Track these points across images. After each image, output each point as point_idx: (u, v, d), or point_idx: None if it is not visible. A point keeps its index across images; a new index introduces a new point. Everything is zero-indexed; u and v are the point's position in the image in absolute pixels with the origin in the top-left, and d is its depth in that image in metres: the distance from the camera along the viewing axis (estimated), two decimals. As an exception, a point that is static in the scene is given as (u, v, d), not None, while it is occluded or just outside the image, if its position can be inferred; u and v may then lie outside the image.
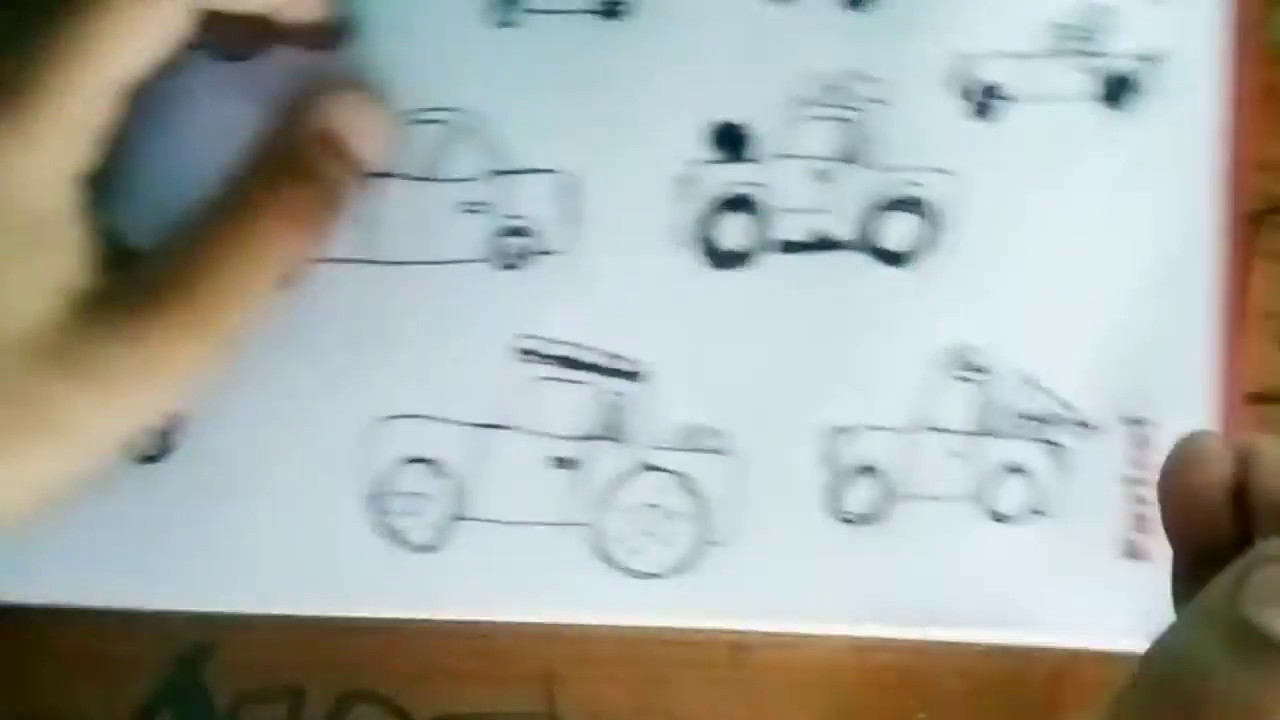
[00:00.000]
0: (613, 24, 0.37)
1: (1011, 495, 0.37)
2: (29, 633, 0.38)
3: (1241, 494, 0.28)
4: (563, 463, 0.37)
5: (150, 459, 0.37)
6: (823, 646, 0.38)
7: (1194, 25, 0.36)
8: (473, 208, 0.37)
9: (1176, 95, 0.37)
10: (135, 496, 0.37)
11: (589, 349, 0.37)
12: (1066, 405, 0.37)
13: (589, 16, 0.37)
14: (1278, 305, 0.38)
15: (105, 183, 0.34)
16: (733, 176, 0.37)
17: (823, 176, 0.37)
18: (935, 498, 0.37)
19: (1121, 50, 0.37)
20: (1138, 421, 0.37)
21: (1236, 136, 0.37)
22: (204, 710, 0.38)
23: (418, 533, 0.37)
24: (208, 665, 0.38)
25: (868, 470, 0.37)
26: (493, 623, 0.37)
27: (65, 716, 0.38)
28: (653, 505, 0.37)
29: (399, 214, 0.37)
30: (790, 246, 0.37)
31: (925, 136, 0.37)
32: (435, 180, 0.37)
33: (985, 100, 0.37)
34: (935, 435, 0.37)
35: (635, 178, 0.37)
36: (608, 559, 0.37)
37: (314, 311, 0.37)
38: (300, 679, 0.38)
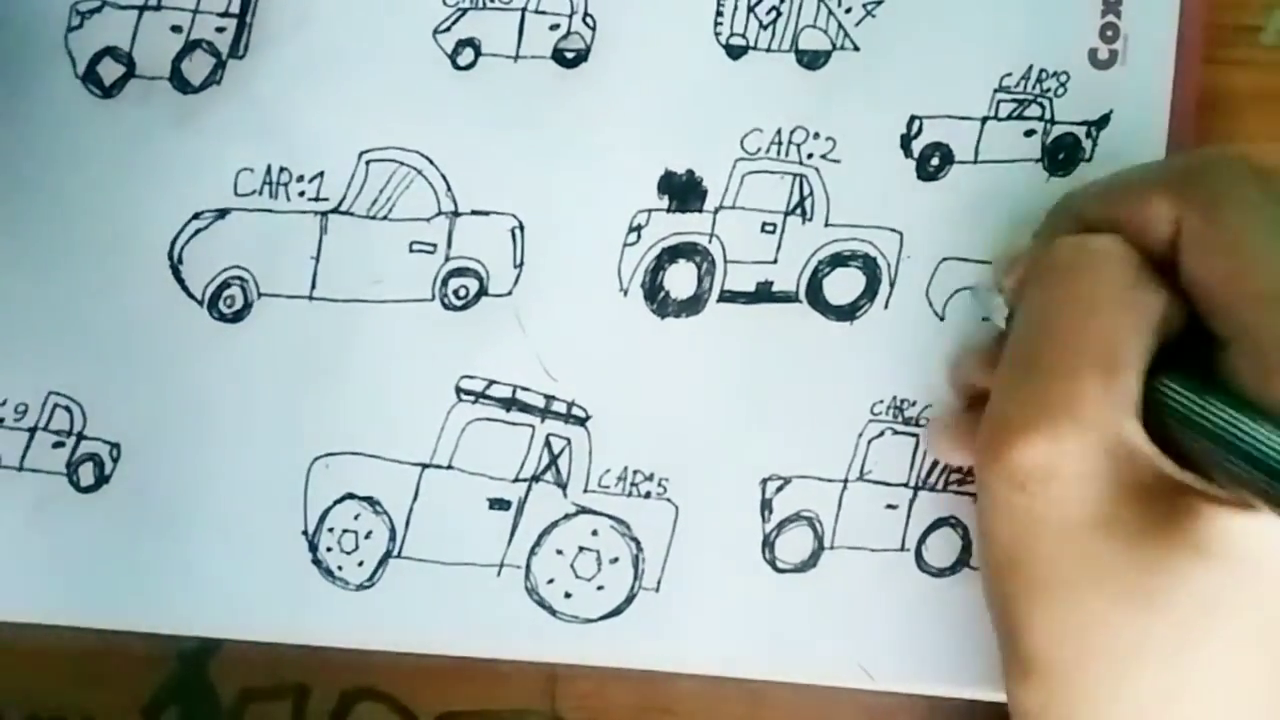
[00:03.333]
0: (569, 72, 0.37)
1: (942, 548, 0.37)
2: (35, 633, 0.38)
3: None
4: (500, 504, 0.37)
5: (87, 489, 0.38)
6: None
7: (1140, 91, 0.37)
8: (421, 248, 0.38)
9: (1120, 161, 0.37)
10: (71, 524, 0.38)
11: (531, 391, 0.37)
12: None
13: (545, 63, 0.38)
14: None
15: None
16: (681, 226, 0.37)
17: (771, 230, 0.37)
18: (868, 548, 0.37)
19: (1068, 116, 0.37)
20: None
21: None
22: (209, 707, 0.38)
23: (352, 569, 0.37)
24: (212, 663, 0.38)
25: (802, 519, 0.37)
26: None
27: (71, 715, 0.38)
28: (588, 549, 0.37)
29: (347, 251, 0.38)
30: (735, 297, 0.37)
31: (873, 194, 0.37)
32: (385, 219, 0.38)
33: (932, 161, 0.37)
34: (870, 487, 0.37)
35: (584, 224, 0.37)
36: (541, 601, 0.37)
37: (258, 345, 0.38)
38: (304, 676, 0.38)
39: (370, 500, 0.37)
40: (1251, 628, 0.30)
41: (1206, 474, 0.29)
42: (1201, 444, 0.29)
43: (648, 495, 0.37)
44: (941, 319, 0.37)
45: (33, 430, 0.38)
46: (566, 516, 0.37)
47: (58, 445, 0.38)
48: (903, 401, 0.37)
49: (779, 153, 0.37)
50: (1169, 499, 0.30)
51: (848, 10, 0.37)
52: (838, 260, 0.37)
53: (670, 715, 0.38)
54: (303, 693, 0.38)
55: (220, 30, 0.38)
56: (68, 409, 0.38)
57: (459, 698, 0.38)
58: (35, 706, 0.38)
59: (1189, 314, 0.31)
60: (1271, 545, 0.29)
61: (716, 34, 0.38)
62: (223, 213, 0.38)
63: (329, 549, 0.37)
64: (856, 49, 0.37)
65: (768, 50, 0.37)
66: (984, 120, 0.37)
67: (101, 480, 0.38)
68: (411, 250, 0.38)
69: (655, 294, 0.37)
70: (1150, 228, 0.31)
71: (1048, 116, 0.37)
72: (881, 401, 0.37)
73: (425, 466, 0.37)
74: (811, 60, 0.37)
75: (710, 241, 0.37)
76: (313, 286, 0.38)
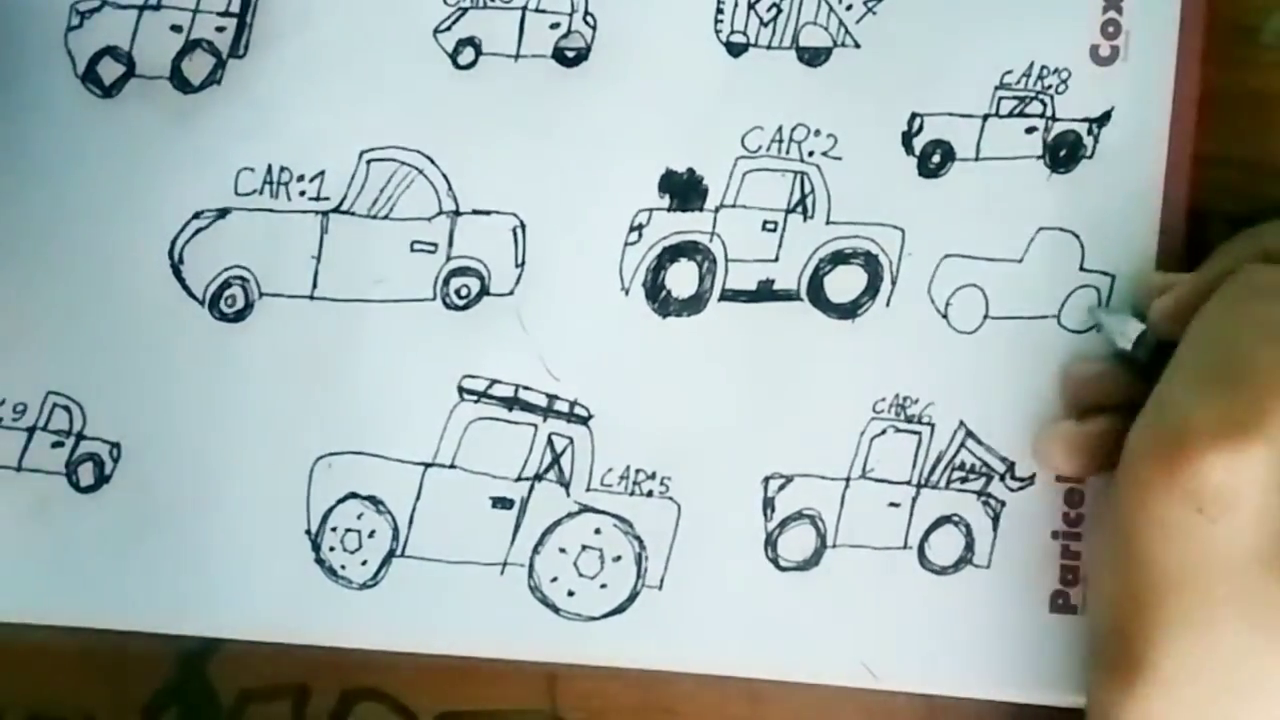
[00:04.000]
0: (569, 71, 0.37)
1: (945, 546, 0.37)
2: (35, 633, 0.38)
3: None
4: (503, 503, 0.37)
5: (87, 489, 0.38)
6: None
7: (1142, 88, 0.37)
8: (423, 247, 0.38)
9: (1122, 157, 0.37)
10: (71, 524, 0.38)
11: (533, 390, 0.37)
12: (1002, 459, 0.37)
13: (546, 62, 0.38)
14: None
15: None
16: (682, 224, 0.37)
17: (772, 228, 0.37)
18: (870, 546, 0.37)
19: (1069, 113, 0.37)
20: (1070, 478, 0.37)
21: (1178, 197, 0.37)
22: (209, 708, 0.38)
23: (356, 568, 0.37)
24: (212, 663, 0.38)
25: (805, 517, 0.37)
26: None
27: (71, 715, 0.38)
28: (591, 547, 0.37)
29: (348, 251, 0.38)
30: (737, 295, 0.37)
31: (874, 192, 0.37)
32: (386, 219, 0.38)
33: (933, 158, 0.37)
34: (872, 485, 0.37)
35: (586, 223, 0.37)
36: (544, 599, 0.37)
37: (259, 345, 0.38)
38: (304, 677, 0.38)
39: (373, 499, 0.37)
40: None
41: None
42: None
43: (650, 494, 0.37)
44: (943, 316, 0.37)
45: (31, 430, 0.38)
46: (569, 515, 0.37)
47: (57, 445, 0.38)
48: (905, 399, 0.37)
49: (780, 150, 0.37)
50: None
51: (848, 7, 0.37)
52: (839, 258, 0.37)
53: (670, 715, 0.38)
54: (303, 693, 0.38)
55: (220, 30, 0.38)
56: (67, 408, 0.38)
57: (459, 698, 0.38)
58: (35, 706, 0.38)
59: None
60: None
61: (717, 32, 0.37)
62: (223, 212, 0.38)
63: (332, 548, 0.37)
64: (857, 46, 0.37)
65: (768, 48, 0.37)
66: (985, 117, 0.37)
67: (102, 480, 0.38)
68: (413, 250, 0.38)
69: (657, 293, 0.37)
70: None
71: (1049, 113, 0.37)
72: (883, 399, 0.37)
73: (428, 466, 0.37)
74: (812, 58, 0.37)
75: (711, 240, 0.37)
76: (314, 286, 0.38)
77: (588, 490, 0.37)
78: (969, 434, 0.37)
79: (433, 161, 0.38)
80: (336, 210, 0.38)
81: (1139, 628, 0.31)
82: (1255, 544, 0.30)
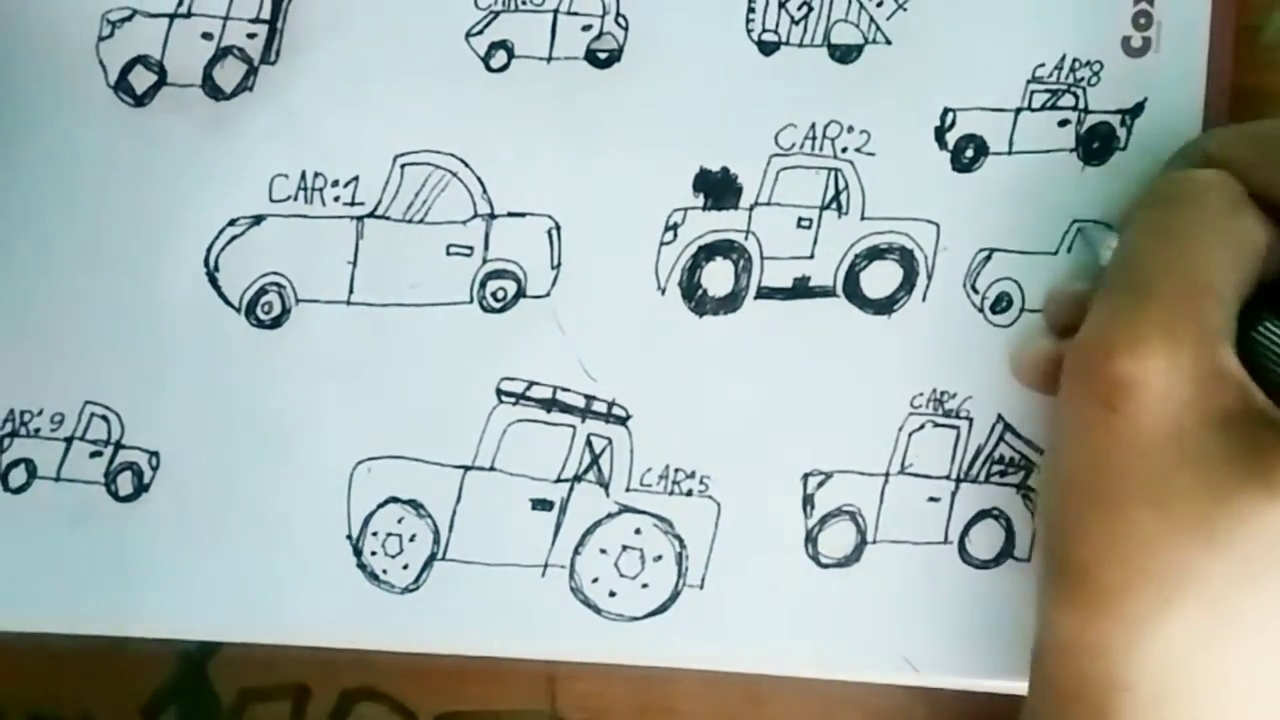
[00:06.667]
0: (602, 72, 0.37)
1: (985, 540, 0.37)
2: (37, 632, 0.38)
3: None
4: (543, 504, 0.37)
5: (126, 498, 0.38)
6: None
7: (1175, 78, 0.37)
8: (459, 250, 0.38)
9: (1155, 148, 0.37)
10: (111, 534, 0.38)
11: (571, 392, 0.37)
12: (1041, 452, 0.37)
13: (579, 64, 0.38)
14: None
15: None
16: (718, 223, 0.37)
17: (807, 225, 0.37)
18: (910, 542, 0.37)
19: (1102, 105, 0.37)
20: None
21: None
22: (209, 707, 0.38)
23: (397, 572, 0.37)
24: (212, 663, 0.39)
25: (844, 514, 0.37)
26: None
27: (71, 715, 0.39)
28: (631, 548, 0.37)
29: (384, 255, 0.38)
30: (773, 293, 0.37)
31: (908, 187, 0.37)
32: (422, 223, 0.38)
33: (967, 152, 0.37)
34: (912, 480, 0.37)
35: (621, 223, 0.37)
36: (586, 600, 0.37)
37: (297, 351, 0.38)
38: (304, 676, 0.38)
39: (414, 503, 0.37)
40: None
41: None
42: None
43: (689, 493, 0.37)
44: (979, 310, 0.37)
45: (70, 440, 0.38)
46: (609, 516, 0.37)
47: (95, 455, 0.38)
48: (943, 394, 0.37)
49: (813, 147, 0.37)
50: (1251, 433, 0.30)
51: (879, 4, 0.37)
52: (874, 253, 0.37)
53: (670, 715, 0.38)
54: (303, 693, 0.38)
55: (251, 36, 0.38)
56: (105, 418, 0.38)
57: (459, 698, 0.38)
58: (35, 706, 0.39)
59: None
60: None
61: (749, 30, 0.37)
62: (258, 219, 0.38)
63: (373, 553, 0.37)
64: (889, 42, 0.37)
65: (800, 45, 0.37)
66: (1018, 111, 0.37)
67: (141, 489, 0.38)
68: (449, 253, 0.38)
69: (693, 292, 0.37)
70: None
71: (1082, 106, 0.37)
72: (921, 394, 0.37)
73: (468, 469, 0.37)
74: (844, 54, 0.37)
75: (746, 238, 0.37)
76: (350, 291, 0.38)
77: (627, 490, 0.37)
78: (1007, 427, 0.37)
79: (467, 165, 0.38)
80: (371, 215, 0.38)
81: (1067, 539, 0.32)
82: (1160, 433, 0.30)
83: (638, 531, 0.37)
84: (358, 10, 0.38)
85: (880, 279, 0.37)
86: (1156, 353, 0.30)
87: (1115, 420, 0.31)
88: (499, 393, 0.37)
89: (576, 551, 0.37)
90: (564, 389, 0.37)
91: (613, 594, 0.37)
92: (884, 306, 0.37)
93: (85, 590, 0.38)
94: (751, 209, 0.37)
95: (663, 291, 0.37)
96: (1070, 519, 0.32)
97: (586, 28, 0.38)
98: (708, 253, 0.37)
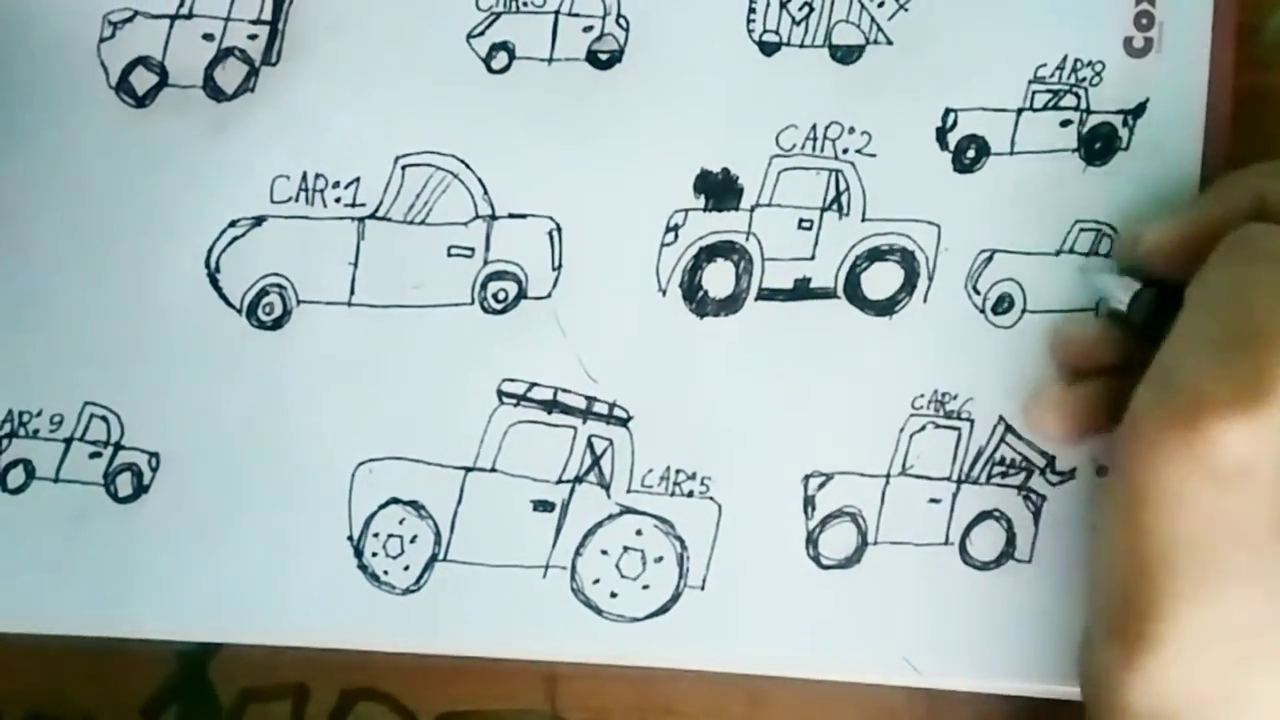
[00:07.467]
0: (603, 73, 0.38)
1: (986, 542, 0.37)
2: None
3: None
4: (544, 506, 0.37)
5: (125, 499, 0.38)
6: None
7: (1177, 79, 0.37)
8: (460, 252, 0.38)
9: (1157, 149, 0.37)
10: (110, 535, 0.38)
11: (572, 393, 0.37)
12: (1043, 454, 0.37)
13: (580, 65, 0.38)
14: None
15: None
16: (718, 225, 0.37)
17: (808, 226, 0.37)
18: (911, 543, 0.37)
19: (1103, 105, 0.37)
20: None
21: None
22: (209, 707, 0.38)
23: (398, 573, 0.37)
24: (212, 663, 0.38)
25: (845, 515, 0.37)
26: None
27: (71, 715, 0.39)
28: (633, 549, 0.37)
29: (385, 257, 0.38)
30: (774, 294, 0.37)
31: (909, 188, 0.37)
32: (423, 224, 0.38)
33: (968, 153, 0.37)
34: (913, 481, 0.37)
35: (621, 224, 0.37)
36: (587, 601, 0.37)
37: (298, 352, 0.38)
38: (304, 676, 0.38)
39: (415, 504, 0.37)
40: None
41: None
42: None
43: (690, 494, 0.37)
44: (981, 311, 0.37)
45: (69, 440, 0.38)
46: (610, 517, 0.37)
47: (95, 455, 0.38)
48: (944, 395, 0.37)
49: (814, 148, 0.37)
50: None
51: (880, 4, 0.37)
52: (875, 255, 0.37)
53: (670, 715, 0.38)
54: (303, 693, 0.38)
55: (252, 38, 0.38)
56: (104, 419, 0.38)
57: (459, 698, 0.38)
58: (35, 706, 0.39)
59: None
60: None
61: (750, 31, 0.37)
62: (259, 220, 0.38)
63: (374, 554, 0.37)
64: (890, 43, 0.37)
65: (801, 46, 0.37)
66: (1019, 111, 0.37)
67: (141, 490, 0.38)
68: (450, 254, 0.38)
69: (694, 293, 0.37)
70: None
71: (1083, 106, 0.37)
72: (922, 395, 0.37)
73: (469, 470, 0.37)
74: (845, 55, 0.37)
75: (747, 240, 0.37)
76: (351, 293, 0.38)
77: (628, 492, 0.37)
78: (1009, 428, 0.37)
79: (468, 166, 0.38)
80: (373, 216, 0.38)
81: (1148, 599, 0.30)
82: (1270, 513, 0.29)
83: (639, 533, 0.37)
84: (359, 11, 0.38)
85: (881, 280, 0.37)
86: (1275, 428, 0.29)
87: (1227, 500, 0.29)
88: (500, 394, 0.37)
89: (578, 552, 0.37)
90: (565, 390, 0.37)
91: (614, 595, 0.37)
92: (885, 308, 0.37)
93: (85, 591, 0.38)
94: (752, 210, 0.37)
95: (663, 293, 0.37)
96: (1160, 591, 0.30)
97: (588, 29, 0.38)
98: (709, 254, 0.37)
